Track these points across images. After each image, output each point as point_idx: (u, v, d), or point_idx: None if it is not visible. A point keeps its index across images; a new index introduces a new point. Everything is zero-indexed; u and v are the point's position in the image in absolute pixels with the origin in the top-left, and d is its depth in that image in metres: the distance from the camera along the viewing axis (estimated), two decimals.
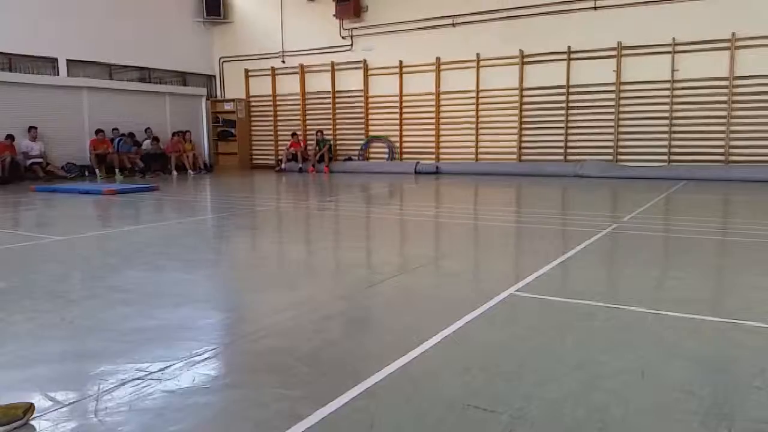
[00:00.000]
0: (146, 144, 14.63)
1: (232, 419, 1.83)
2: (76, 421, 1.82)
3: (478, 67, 13.42)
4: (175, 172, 14.50)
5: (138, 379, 2.10)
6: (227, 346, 2.52)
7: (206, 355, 2.36)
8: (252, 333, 2.67)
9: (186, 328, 2.71)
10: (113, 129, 14.09)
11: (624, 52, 11.97)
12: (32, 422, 1.81)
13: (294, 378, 2.12)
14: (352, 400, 1.93)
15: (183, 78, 16.52)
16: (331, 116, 15.56)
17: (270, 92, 16.40)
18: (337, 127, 15.55)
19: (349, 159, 15.19)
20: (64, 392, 2.01)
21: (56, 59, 13.38)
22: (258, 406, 1.91)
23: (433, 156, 14.20)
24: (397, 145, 14.77)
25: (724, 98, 11.26)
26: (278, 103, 16.41)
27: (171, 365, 2.23)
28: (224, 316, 3.01)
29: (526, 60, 12.90)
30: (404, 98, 14.50)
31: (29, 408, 1.82)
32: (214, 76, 17.24)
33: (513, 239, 5.28)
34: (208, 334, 2.64)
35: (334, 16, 14.71)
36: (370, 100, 15.01)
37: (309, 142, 15.51)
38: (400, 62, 14.33)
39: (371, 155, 15.21)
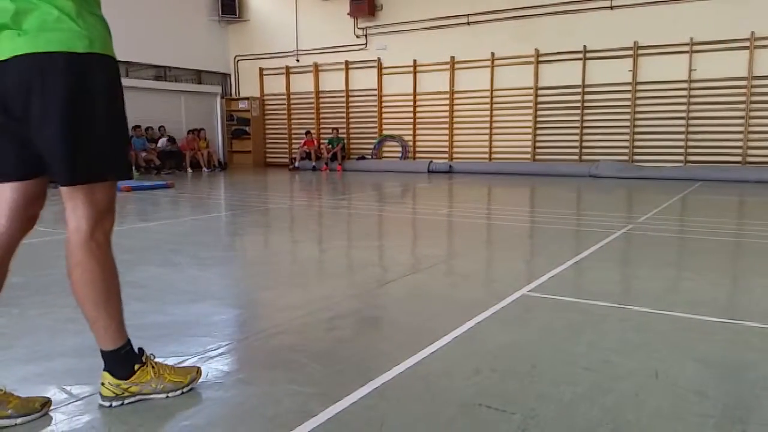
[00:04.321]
0: (162, 142, 14.75)
1: (244, 415, 1.85)
2: (90, 414, 1.85)
3: (492, 67, 13.38)
4: (189, 170, 14.62)
5: None
6: (240, 342, 2.54)
7: (220, 351, 2.37)
8: (265, 330, 2.69)
9: (200, 325, 2.73)
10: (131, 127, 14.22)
11: (640, 51, 11.87)
12: (50, 413, 1.84)
13: (306, 375, 2.13)
14: (364, 398, 1.94)
15: (198, 76, 16.63)
16: (344, 115, 15.59)
17: (284, 91, 16.47)
18: (351, 125, 15.58)
19: (362, 158, 15.21)
20: (79, 386, 2.04)
21: None
22: (270, 402, 1.93)
23: (447, 155, 14.18)
24: (411, 144, 14.77)
25: (742, 98, 11.13)
26: (292, 101, 16.47)
27: (185, 360, 2.25)
28: (238, 312, 3.03)
29: (540, 59, 12.83)
30: (418, 97, 14.50)
31: (46, 402, 1.86)
32: (229, 75, 17.34)
33: (526, 239, 5.26)
34: (221, 331, 2.66)
35: (348, 14, 14.74)
36: (384, 99, 15.02)
37: (322, 141, 15.55)
38: (414, 61, 14.32)
39: (384, 154, 15.23)
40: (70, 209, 1.77)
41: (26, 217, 1.82)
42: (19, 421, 1.77)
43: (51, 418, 1.82)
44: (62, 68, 1.64)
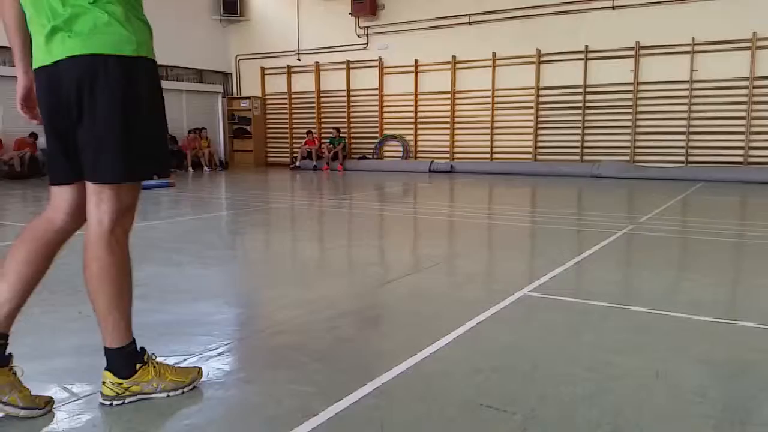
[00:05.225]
0: None
1: (245, 414, 1.85)
2: (90, 413, 1.85)
3: (494, 66, 13.36)
4: (191, 169, 14.62)
5: None
6: (241, 341, 2.54)
7: (220, 350, 2.38)
8: (266, 329, 2.69)
9: (201, 324, 2.73)
10: None
11: (642, 51, 11.86)
12: (51, 412, 1.84)
13: (307, 375, 2.13)
14: (364, 398, 1.94)
15: (200, 75, 16.63)
16: (346, 114, 15.58)
17: (285, 90, 16.46)
18: (352, 125, 15.58)
19: (364, 157, 15.20)
20: (79, 384, 2.04)
21: None
22: (271, 401, 1.93)
23: (448, 155, 14.17)
24: (412, 144, 14.76)
25: (744, 99, 11.12)
26: (293, 101, 16.47)
27: (185, 360, 2.26)
28: (238, 311, 3.04)
29: (542, 59, 12.82)
30: (419, 97, 14.49)
31: (50, 401, 1.87)
32: (231, 74, 17.34)
33: (528, 239, 5.26)
34: (222, 330, 2.66)
35: (350, 14, 14.73)
36: (385, 98, 15.01)
37: (324, 140, 15.55)
38: (416, 61, 14.32)
39: (385, 154, 15.22)
40: (93, 204, 1.81)
41: (81, 214, 1.90)
42: (22, 413, 1.78)
43: (52, 416, 1.82)
44: (113, 70, 1.70)
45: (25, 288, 1.85)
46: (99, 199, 1.79)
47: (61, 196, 1.89)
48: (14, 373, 1.82)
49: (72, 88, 1.70)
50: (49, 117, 1.81)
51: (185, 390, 1.97)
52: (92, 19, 1.69)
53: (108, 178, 1.77)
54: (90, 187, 1.80)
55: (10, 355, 1.84)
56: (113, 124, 1.73)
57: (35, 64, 1.78)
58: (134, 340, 1.91)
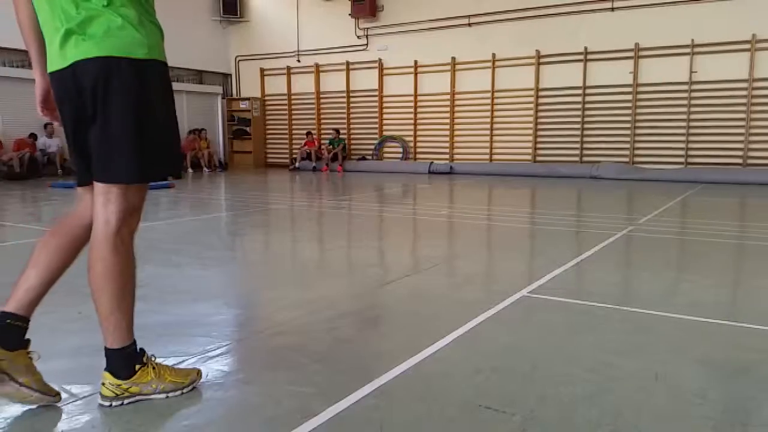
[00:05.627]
0: None
1: (244, 415, 1.85)
2: (90, 413, 1.85)
3: (493, 68, 13.37)
4: (190, 170, 14.62)
5: None
6: (240, 342, 2.54)
7: (219, 351, 2.37)
8: (265, 330, 2.69)
9: (200, 324, 2.73)
10: None
11: (641, 53, 11.87)
12: (50, 413, 1.84)
13: (306, 375, 2.13)
14: (364, 398, 1.94)
15: (199, 76, 16.63)
16: (345, 115, 15.59)
17: (285, 91, 16.47)
18: (352, 126, 15.58)
19: (363, 158, 15.20)
20: (78, 385, 2.04)
21: None
22: (270, 402, 1.93)
23: (447, 156, 14.18)
24: (411, 145, 14.76)
25: (743, 100, 11.13)
26: (293, 102, 16.47)
27: (185, 361, 2.26)
28: (237, 312, 3.03)
29: (542, 61, 12.83)
30: (419, 98, 14.50)
31: (58, 393, 1.91)
32: (230, 75, 17.34)
33: (527, 241, 5.26)
34: (221, 331, 2.66)
35: (349, 15, 14.74)
36: (385, 99, 15.02)
37: (323, 141, 15.56)
38: (415, 62, 14.33)
39: (385, 155, 15.22)
40: (100, 204, 1.82)
41: None
42: (35, 395, 1.82)
43: (51, 417, 1.82)
44: (126, 72, 1.73)
45: (50, 278, 1.90)
46: (106, 199, 1.80)
47: (84, 196, 1.94)
48: (31, 359, 1.86)
49: (86, 90, 1.72)
50: (66, 119, 1.83)
51: (184, 391, 1.97)
52: (106, 22, 1.71)
53: (119, 179, 1.79)
54: (98, 186, 1.81)
55: (29, 340, 1.88)
56: (126, 126, 1.75)
57: (50, 68, 1.80)
58: (135, 341, 1.91)
